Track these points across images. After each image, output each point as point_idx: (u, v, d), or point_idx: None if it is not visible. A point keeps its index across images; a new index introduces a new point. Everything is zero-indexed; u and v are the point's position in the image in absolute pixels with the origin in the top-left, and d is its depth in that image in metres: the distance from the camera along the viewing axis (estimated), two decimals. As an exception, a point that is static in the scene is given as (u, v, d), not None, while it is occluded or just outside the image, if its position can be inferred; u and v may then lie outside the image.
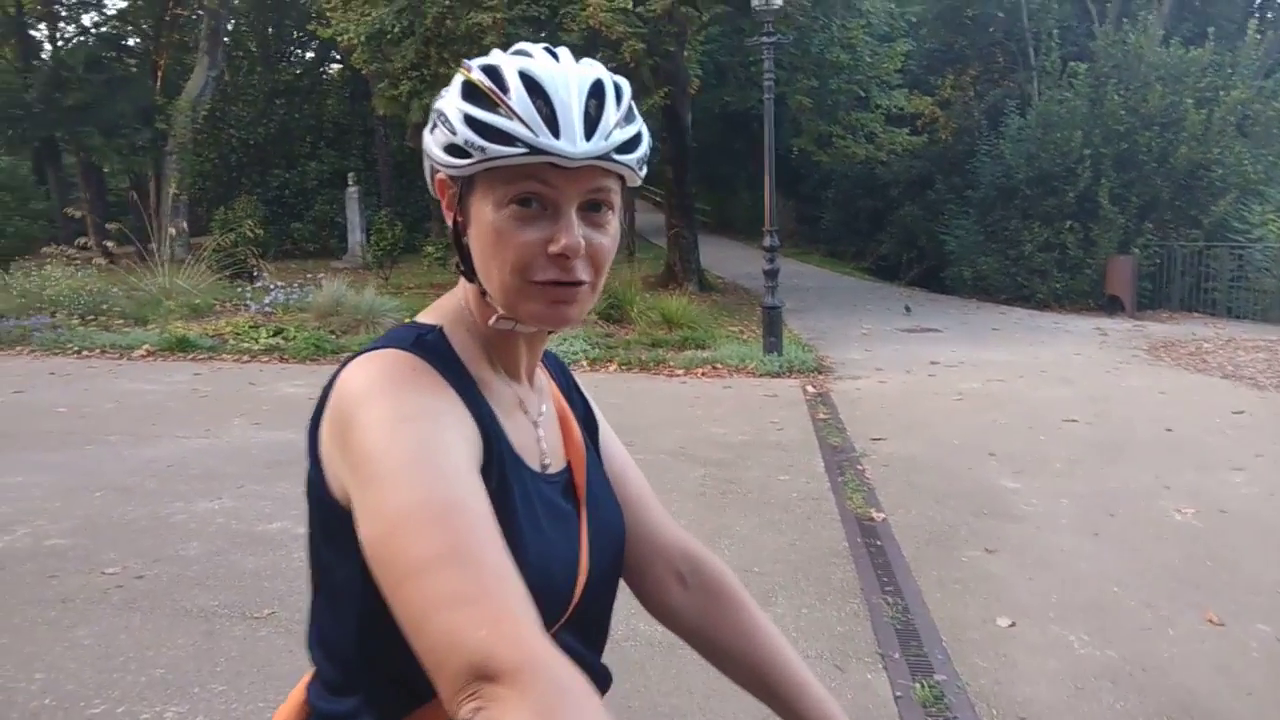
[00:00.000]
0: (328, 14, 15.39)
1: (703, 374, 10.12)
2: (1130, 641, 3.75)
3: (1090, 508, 5.44)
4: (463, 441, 0.83)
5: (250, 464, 6.32)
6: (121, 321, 12.37)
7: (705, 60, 18.26)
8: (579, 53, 0.96)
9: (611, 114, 0.89)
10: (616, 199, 0.93)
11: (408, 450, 0.79)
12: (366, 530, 0.78)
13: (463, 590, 0.71)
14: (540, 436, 1.00)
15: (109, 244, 15.25)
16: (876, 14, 17.11)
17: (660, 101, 14.49)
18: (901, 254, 24.45)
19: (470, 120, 0.86)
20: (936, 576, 4.43)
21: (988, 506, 5.49)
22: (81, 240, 14.56)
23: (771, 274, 10.80)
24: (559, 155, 0.85)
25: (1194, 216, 16.17)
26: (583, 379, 1.22)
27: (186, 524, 5.10)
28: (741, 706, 3.09)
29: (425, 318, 0.99)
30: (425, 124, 0.94)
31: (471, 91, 0.88)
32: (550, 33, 12.78)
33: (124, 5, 30.63)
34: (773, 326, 10.80)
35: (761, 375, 10.03)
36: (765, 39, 10.71)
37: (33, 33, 29.61)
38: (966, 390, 9.08)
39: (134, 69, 29.16)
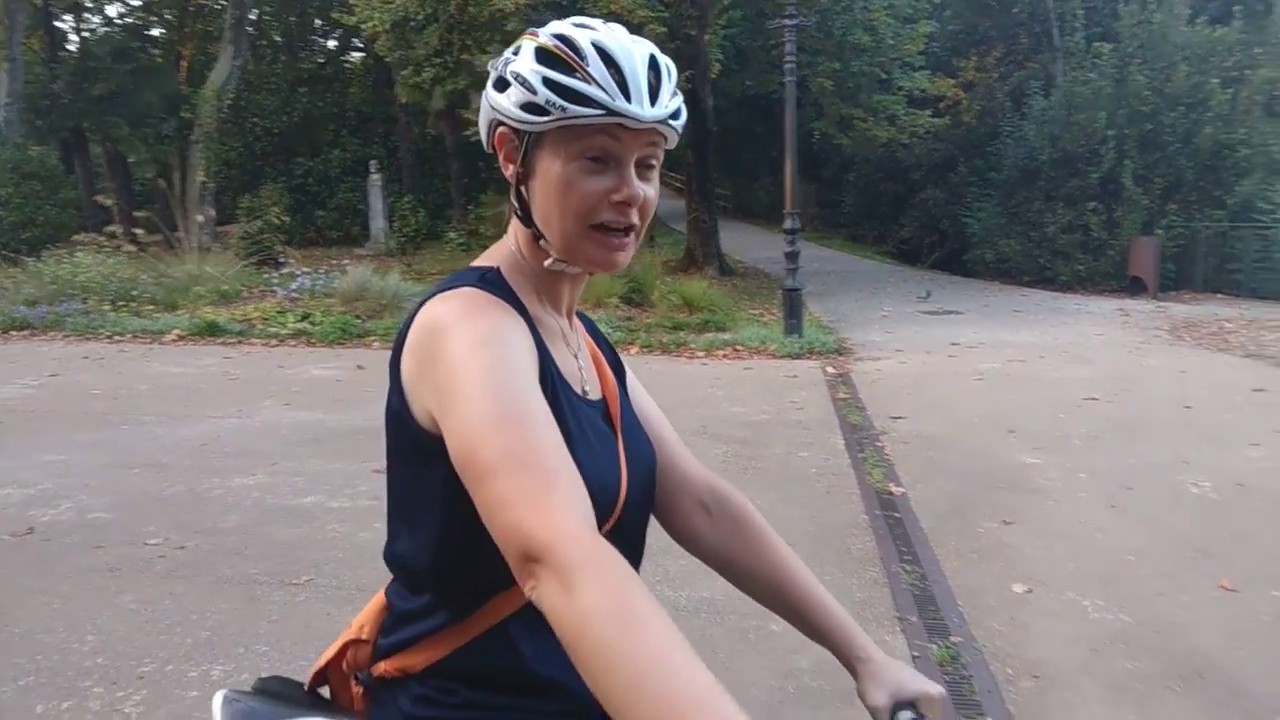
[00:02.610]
0: (351, 2, 15.52)
1: (723, 356, 10.22)
2: (1144, 607, 3.83)
3: (1108, 482, 5.51)
4: (528, 361, 0.96)
5: (282, 442, 6.49)
6: (152, 307, 12.60)
7: (726, 44, 18.26)
8: None
9: (667, 86, 1.02)
10: (661, 159, 1.06)
11: (483, 370, 0.91)
12: (452, 442, 0.90)
13: (519, 490, 0.83)
14: (580, 366, 1.12)
15: (138, 232, 15.48)
16: (898, -6, 17.07)
17: (681, 85, 14.51)
18: (923, 237, 24.39)
19: (550, 82, 0.97)
20: (954, 546, 4.52)
21: (1006, 481, 5.57)
22: (111, 228, 14.78)
23: (792, 256, 10.87)
24: (631, 117, 0.97)
25: (1218, 197, 16.09)
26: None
27: (223, 498, 5.26)
28: (763, 665, 3.20)
29: (482, 261, 1.10)
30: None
31: (548, 57, 0.98)
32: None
33: (148, -5, 30.92)
34: (793, 308, 10.87)
35: (782, 357, 10.12)
36: (787, 21, 10.76)
37: (58, 24, 29.97)
38: (986, 370, 9.13)
39: (159, 59, 29.43)
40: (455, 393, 0.90)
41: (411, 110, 22.53)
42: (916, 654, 3.42)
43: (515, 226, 1.09)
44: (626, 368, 1.28)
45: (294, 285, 13.35)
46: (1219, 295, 15.33)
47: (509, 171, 1.05)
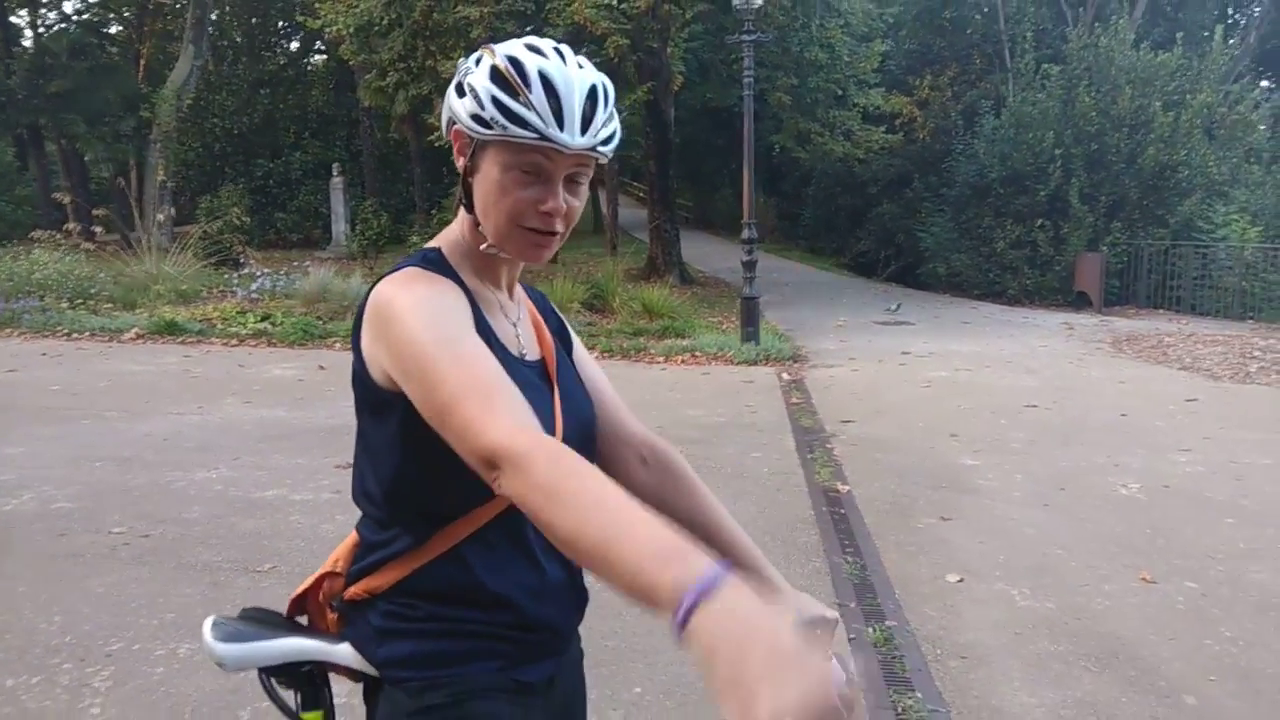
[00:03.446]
0: (316, 5, 15.57)
1: (682, 362, 10.43)
2: (1068, 596, 4.07)
3: (1042, 483, 5.78)
4: (463, 316, 1.14)
5: (244, 438, 6.57)
6: (110, 305, 12.56)
7: (689, 57, 18.56)
8: None
9: (601, 116, 1.16)
10: (589, 174, 1.23)
11: (428, 325, 1.09)
12: (413, 389, 1.08)
13: (470, 414, 1.01)
14: (518, 333, 1.31)
15: (96, 230, 15.37)
16: (855, 14, 17.50)
17: (643, 97, 14.78)
18: (880, 251, 24.88)
19: (496, 102, 1.13)
20: (894, 540, 4.75)
21: (946, 481, 5.82)
22: (68, 226, 14.67)
23: (750, 265, 11.12)
24: (561, 145, 1.13)
25: (1161, 216, 16.65)
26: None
27: (186, 490, 5.35)
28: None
29: (429, 244, 1.29)
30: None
31: (499, 77, 1.15)
32: (536, 28, 13.04)
33: (106, -8, 30.61)
34: (750, 316, 11.11)
35: (739, 363, 10.35)
36: (746, 37, 11.02)
37: (13, 19, 29.57)
38: (934, 379, 9.43)
39: (117, 57, 29.16)
40: (408, 350, 1.08)
41: (374, 114, 22.55)
42: (853, 636, 3.63)
43: (462, 212, 1.27)
44: (574, 335, 1.47)
45: (254, 286, 13.36)
46: (1161, 311, 15.85)
47: (460, 164, 1.22)
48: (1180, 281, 16.04)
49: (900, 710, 3.12)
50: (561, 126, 1.13)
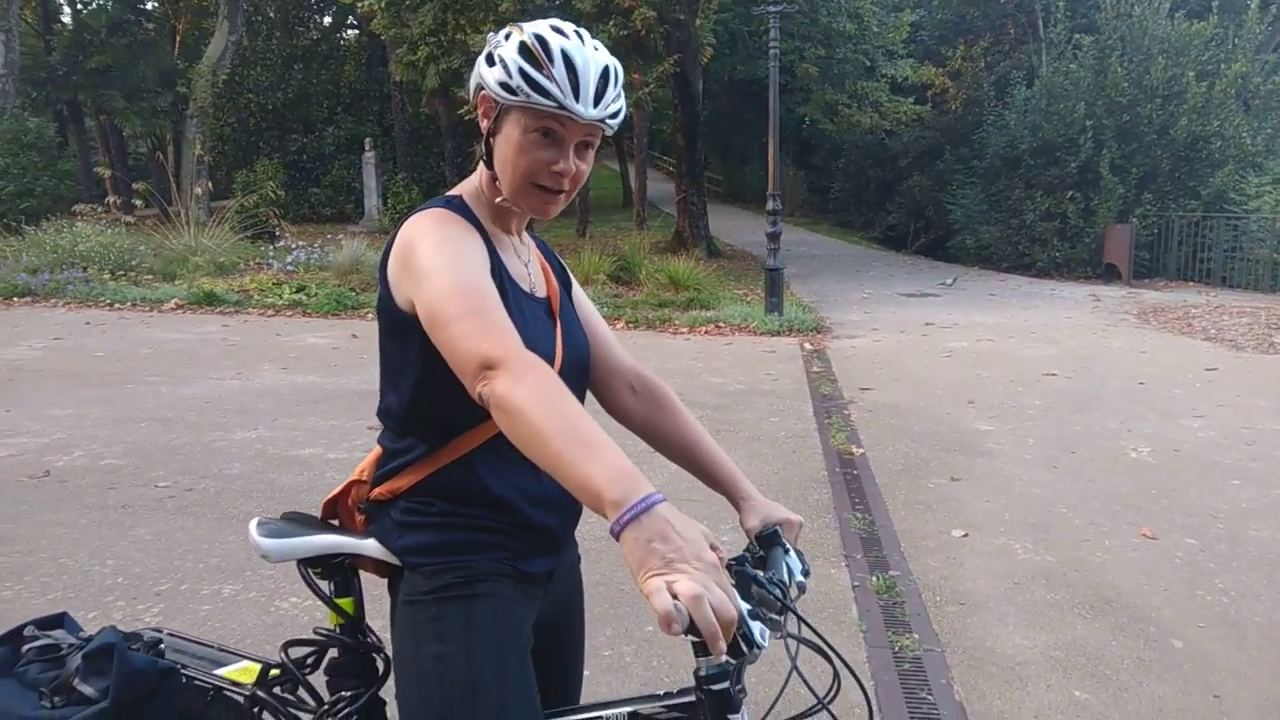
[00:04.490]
0: (348, -20, 15.74)
1: (705, 332, 10.59)
2: (1068, 549, 4.23)
3: (1054, 446, 5.91)
4: (480, 258, 1.34)
5: (281, 401, 6.84)
6: (150, 277, 12.91)
7: (718, 28, 18.55)
8: (591, 20, 1.47)
9: (611, 93, 1.35)
10: (597, 143, 1.42)
11: (447, 257, 1.28)
12: (424, 306, 1.26)
13: (474, 328, 1.19)
14: (529, 272, 1.50)
15: (136, 203, 15.74)
16: (884, -16, 17.37)
17: (670, 69, 14.82)
18: (909, 224, 24.78)
19: (523, 73, 1.32)
20: (903, 498, 4.92)
21: (959, 445, 5.96)
22: (109, 200, 15.05)
23: (774, 236, 11.23)
24: (576, 115, 1.32)
25: (1192, 187, 16.49)
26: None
27: (227, 449, 5.62)
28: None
29: (451, 192, 1.48)
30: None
31: (526, 52, 1.33)
32: (563, 2, 13.13)
33: (143, -31, 31.01)
34: (774, 287, 11.24)
35: (762, 333, 10.49)
36: (772, 8, 11.07)
37: (53, -4, 30.08)
38: (955, 349, 9.53)
39: (153, 33, 29.55)
40: (425, 276, 1.27)
41: (406, 88, 22.74)
42: (857, 584, 3.81)
43: (481, 167, 1.46)
44: (573, 280, 1.66)
45: (289, 259, 13.66)
46: (1191, 283, 15.74)
47: (484, 125, 1.41)
48: (1211, 254, 15.90)
49: (897, 650, 3.30)
50: (577, 99, 1.32)
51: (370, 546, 1.45)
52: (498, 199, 1.42)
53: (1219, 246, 15.74)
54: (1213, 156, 16.27)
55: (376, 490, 1.45)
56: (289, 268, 13.41)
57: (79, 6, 30.50)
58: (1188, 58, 16.48)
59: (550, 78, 1.31)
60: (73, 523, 4.39)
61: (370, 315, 11.03)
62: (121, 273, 12.84)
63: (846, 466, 5.49)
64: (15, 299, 11.84)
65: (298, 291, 11.93)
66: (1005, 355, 9.15)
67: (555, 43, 1.33)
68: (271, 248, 14.65)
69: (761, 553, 1.41)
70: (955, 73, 22.66)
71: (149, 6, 31.85)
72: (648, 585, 0.94)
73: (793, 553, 1.41)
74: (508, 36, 1.37)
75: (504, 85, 1.33)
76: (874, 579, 3.85)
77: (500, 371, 1.13)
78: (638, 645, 3.27)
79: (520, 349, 1.17)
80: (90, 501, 4.69)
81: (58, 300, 11.71)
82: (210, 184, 20.19)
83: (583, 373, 1.55)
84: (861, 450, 5.81)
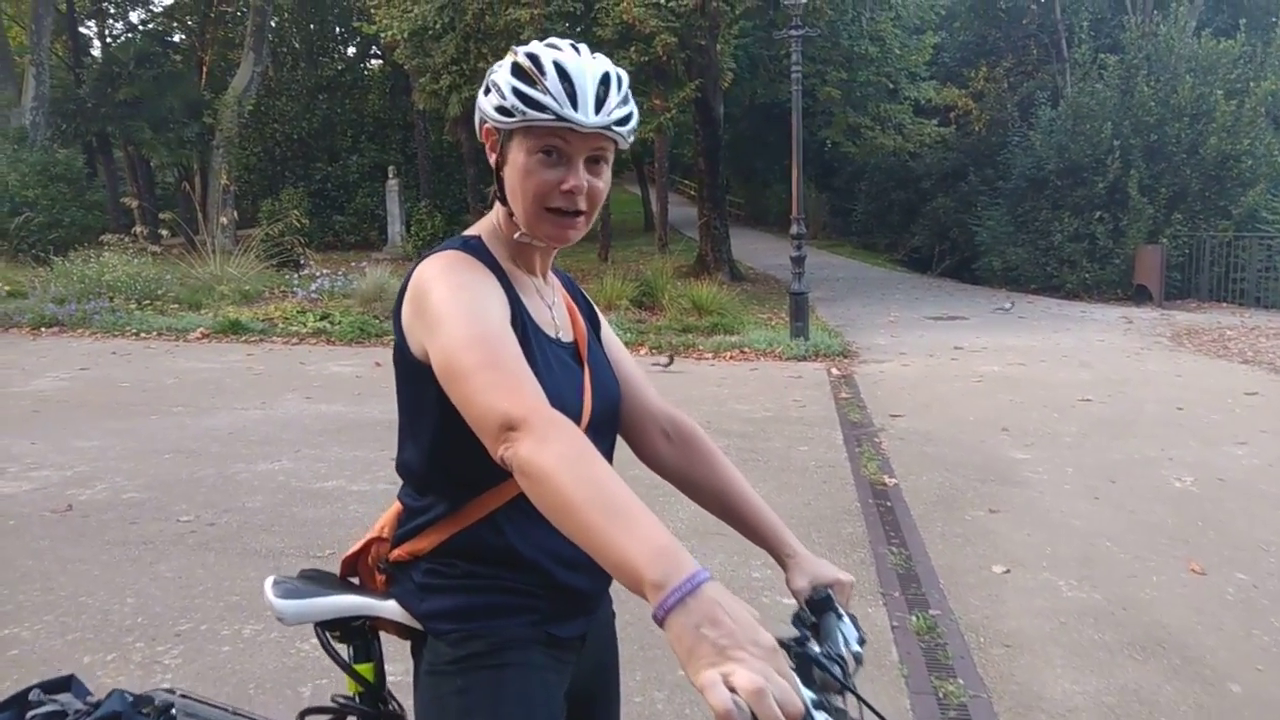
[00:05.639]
0: (372, 10, 15.87)
1: (730, 357, 10.48)
2: (1115, 586, 4.07)
3: (1093, 476, 5.74)
4: (499, 304, 1.24)
5: (305, 432, 6.79)
6: (176, 306, 12.97)
7: (739, 53, 18.55)
8: (613, 46, 1.37)
9: (614, 97, 1.26)
10: (611, 156, 1.32)
11: (462, 305, 1.19)
12: (438, 358, 1.17)
13: (494, 382, 1.10)
14: (553, 316, 1.40)
15: (162, 233, 15.87)
16: (906, 7, 17.34)
17: (691, 94, 14.81)
18: (933, 246, 24.59)
19: (516, 91, 1.24)
20: (940, 531, 4.77)
21: (995, 474, 5.81)
22: (136, 230, 15.17)
23: (798, 260, 11.12)
24: (576, 123, 1.23)
25: (1223, 207, 16.26)
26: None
27: (250, 481, 5.55)
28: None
29: (469, 232, 1.39)
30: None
31: (519, 71, 1.25)
32: (585, 27, 13.16)
33: (170, 2, 31.48)
34: (799, 312, 11.12)
35: (787, 359, 10.37)
36: (794, 31, 11.02)
37: (83, 30, 30.56)
38: (986, 373, 9.36)
39: (180, 65, 29.95)
40: (440, 323, 1.18)
41: (429, 117, 22.90)
42: (896, 624, 3.68)
43: (497, 204, 1.36)
44: (602, 318, 1.56)
45: (314, 286, 13.69)
46: (1225, 304, 15.48)
47: (492, 159, 1.33)
48: (1244, 274, 15.65)
49: (942, 696, 3.16)
50: (575, 107, 1.22)
51: (391, 609, 1.35)
52: (515, 234, 1.33)
53: (1252, 266, 15.49)
54: (1243, 175, 16.06)
55: (396, 551, 1.36)
56: (313, 295, 13.44)
57: (108, 40, 31.00)
58: (1216, 76, 16.31)
59: (544, 90, 1.22)
60: (94, 559, 4.33)
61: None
62: (148, 302, 12.90)
63: (880, 498, 5.35)
64: (43, 329, 11.92)
65: (322, 319, 11.93)
66: (1038, 380, 8.98)
67: (547, 56, 1.25)
68: (296, 276, 14.70)
69: (814, 619, 1.30)
70: (978, 94, 22.54)
71: (176, 39, 32.36)
72: (701, 678, 0.83)
73: (846, 619, 1.30)
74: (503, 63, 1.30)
75: (500, 109, 1.25)
76: (914, 618, 3.71)
77: (523, 433, 1.03)
78: (670, 691, 3.15)
79: (543, 406, 1.07)
80: (112, 537, 4.62)
81: (84, 330, 11.77)
82: (236, 213, 20.32)
83: (613, 419, 1.45)
84: (895, 480, 5.67)
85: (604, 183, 1.31)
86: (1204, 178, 16.32)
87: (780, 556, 1.41)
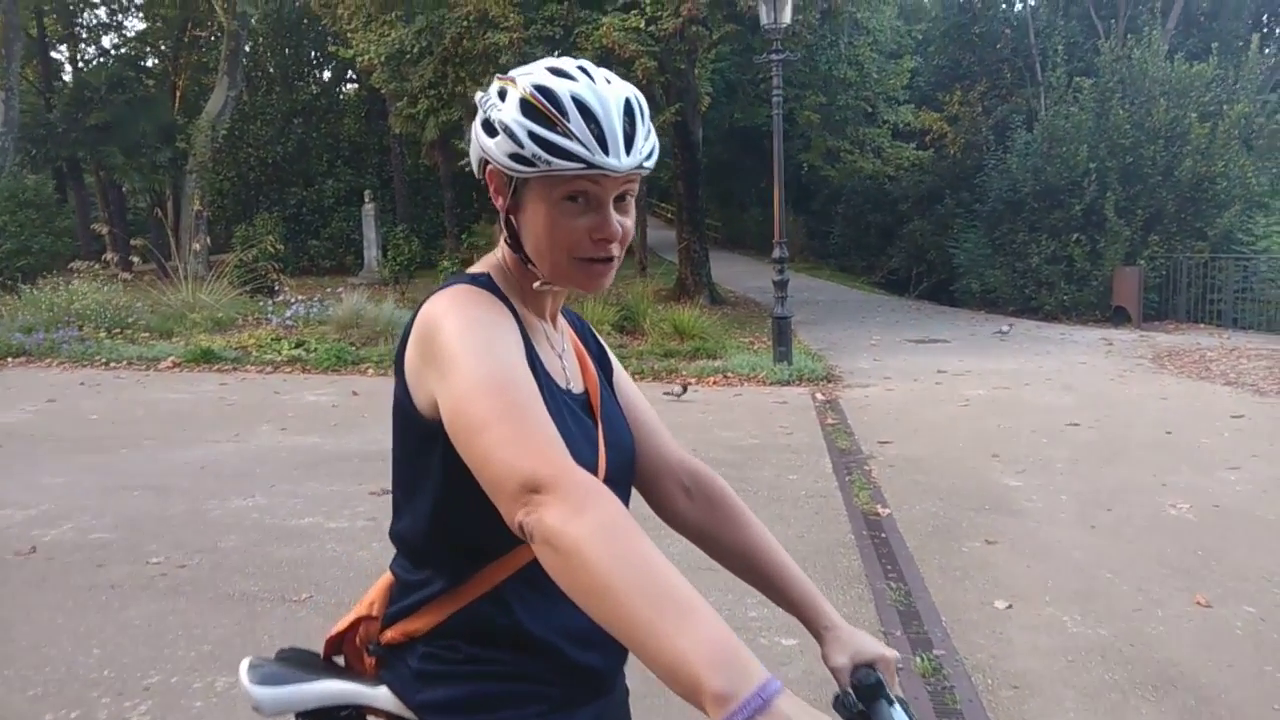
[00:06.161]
0: (348, 35, 15.77)
1: (713, 383, 10.36)
2: (1121, 621, 3.95)
3: (1088, 503, 5.65)
4: (516, 343, 1.09)
5: (279, 465, 6.58)
6: (147, 334, 12.71)
7: (716, 78, 18.58)
8: None
9: (641, 131, 1.11)
10: (635, 191, 1.17)
11: (475, 344, 1.03)
12: (448, 405, 1.02)
13: (513, 436, 0.95)
14: (563, 365, 1.25)
15: (133, 260, 15.61)
16: (883, 32, 17.45)
17: (671, 118, 14.78)
18: (911, 268, 24.70)
19: (535, 137, 1.07)
20: (938, 564, 4.65)
21: (989, 503, 5.70)
22: (106, 256, 14.91)
23: (781, 284, 11.05)
24: (610, 169, 1.08)
25: (1199, 229, 16.39)
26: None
27: (222, 519, 5.35)
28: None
29: (474, 269, 1.24)
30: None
31: (531, 110, 1.08)
32: (565, 52, 13.08)
33: (143, 27, 31.29)
34: (782, 336, 11.03)
35: (771, 384, 10.26)
36: (774, 56, 10.99)
37: (54, 54, 30.27)
38: (972, 397, 9.29)
39: (153, 89, 29.70)
40: (451, 365, 1.03)
41: (405, 141, 22.79)
42: (900, 666, 3.52)
43: (504, 247, 1.21)
44: (614, 361, 1.42)
45: (288, 313, 13.46)
46: (1202, 325, 15.56)
47: (499, 203, 1.17)
48: (1221, 295, 15.74)
49: (951, 743, 3.02)
50: (607, 151, 1.07)
51: (383, 698, 1.20)
52: (535, 284, 1.18)
53: (1228, 287, 15.58)
54: (1219, 197, 16.19)
55: (389, 633, 1.20)
56: (288, 322, 13.21)
57: (80, 64, 30.71)
58: (1189, 99, 16.48)
59: (568, 134, 1.06)
60: (58, 605, 4.12)
61: (371, 370, 10.83)
62: (118, 330, 12.64)
63: (874, 529, 5.22)
64: (10, 359, 11.62)
65: (297, 347, 11.71)
66: (1024, 403, 8.91)
67: (562, 90, 1.08)
68: (270, 302, 14.46)
69: (861, 707, 1.16)
70: (953, 117, 22.70)
71: (149, 64, 32.11)
72: None
73: (898, 706, 1.16)
74: (502, 95, 1.12)
75: (516, 157, 1.08)
76: (918, 659, 3.58)
77: (550, 498, 0.89)
78: (669, 743, 2.99)
79: (574, 467, 0.93)
80: (78, 581, 4.42)
81: (52, 360, 11.49)
82: (209, 239, 20.11)
83: (628, 474, 1.31)
84: (888, 510, 5.55)
85: (631, 220, 1.16)
86: (1179, 199, 16.45)
87: (816, 629, 1.27)
